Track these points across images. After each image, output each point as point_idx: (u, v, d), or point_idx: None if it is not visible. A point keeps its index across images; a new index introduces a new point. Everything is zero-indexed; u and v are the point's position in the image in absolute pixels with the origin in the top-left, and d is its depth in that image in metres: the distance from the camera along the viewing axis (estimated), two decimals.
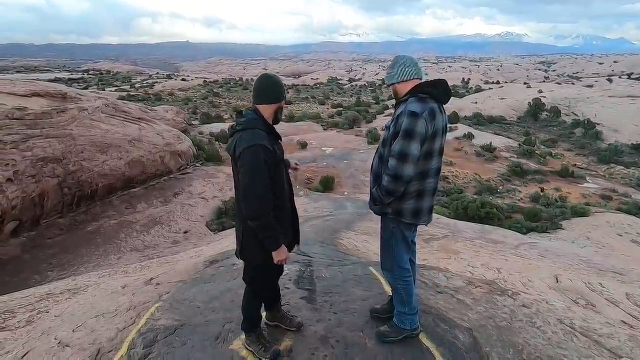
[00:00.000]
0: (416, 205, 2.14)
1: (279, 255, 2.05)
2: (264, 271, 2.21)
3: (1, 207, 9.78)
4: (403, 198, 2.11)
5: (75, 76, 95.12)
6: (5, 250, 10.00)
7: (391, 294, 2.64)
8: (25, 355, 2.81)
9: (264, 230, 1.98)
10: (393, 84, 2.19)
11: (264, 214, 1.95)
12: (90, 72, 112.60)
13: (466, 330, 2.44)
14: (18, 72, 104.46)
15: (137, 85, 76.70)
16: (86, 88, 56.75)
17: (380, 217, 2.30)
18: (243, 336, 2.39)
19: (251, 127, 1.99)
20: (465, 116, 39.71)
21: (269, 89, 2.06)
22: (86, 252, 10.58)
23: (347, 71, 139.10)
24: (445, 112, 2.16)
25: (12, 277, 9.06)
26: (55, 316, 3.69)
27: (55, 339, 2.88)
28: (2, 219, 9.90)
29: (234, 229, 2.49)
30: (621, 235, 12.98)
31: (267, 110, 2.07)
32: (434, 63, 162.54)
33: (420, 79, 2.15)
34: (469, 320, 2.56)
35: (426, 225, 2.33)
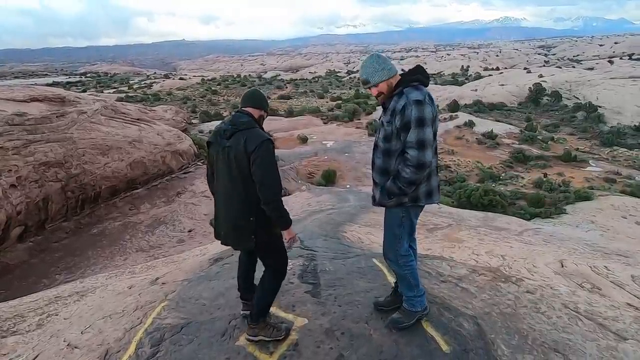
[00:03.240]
0: (428, 186, 2.24)
1: (290, 232, 2.28)
2: (283, 248, 2.39)
3: (6, 213, 9.85)
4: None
5: (72, 79, 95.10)
6: (12, 255, 10.10)
7: (394, 285, 2.65)
8: (35, 357, 2.85)
9: (278, 211, 2.21)
10: (383, 81, 2.19)
11: (279, 197, 2.22)
12: (88, 75, 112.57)
13: (470, 317, 2.45)
14: (16, 77, 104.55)
15: (135, 86, 76.60)
16: (84, 91, 56.73)
17: (385, 208, 2.34)
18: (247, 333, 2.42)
19: (253, 127, 2.26)
20: (465, 104, 39.50)
21: (261, 98, 2.44)
22: (92, 254, 10.66)
23: (345, 63, 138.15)
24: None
25: (20, 282, 9.16)
26: (64, 318, 3.73)
27: (64, 341, 2.92)
28: (8, 225, 9.98)
29: None
30: (625, 218, 12.96)
31: (256, 113, 2.36)
32: (432, 51, 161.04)
33: (401, 73, 2.25)
34: (473, 307, 2.56)
35: (438, 204, 2.40)
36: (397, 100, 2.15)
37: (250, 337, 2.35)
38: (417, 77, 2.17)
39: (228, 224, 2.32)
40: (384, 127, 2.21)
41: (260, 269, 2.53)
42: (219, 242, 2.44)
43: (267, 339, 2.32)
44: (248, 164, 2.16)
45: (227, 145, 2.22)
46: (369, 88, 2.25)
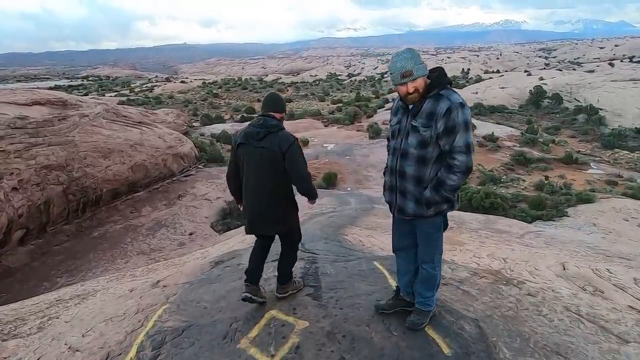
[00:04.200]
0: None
1: (314, 201, 2.80)
2: (299, 228, 2.90)
3: (8, 216, 9.86)
4: None
5: (74, 83, 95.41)
6: (13, 258, 10.11)
7: (395, 289, 2.65)
8: None
9: (312, 192, 2.72)
10: (423, 76, 2.05)
11: (311, 183, 2.73)
12: (90, 78, 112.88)
13: (472, 320, 2.44)
14: (18, 81, 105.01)
15: (137, 89, 76.76)
16: (86, 94, 56.89)
17: (416, 220, 2.26)
18: (252, 333, 2.42)
19: (282, 129, 2.62)
20: None
21: (281, 102, 2.75)
22: (93, 257, 10.67)
23: (345, 66, 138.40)
24: None
25: (21, 285, 9.16)
26: (65, 321, 3.73)
27: (66, 344, 2.92)
28: (9, 228, 9.99)
29: (240, 227, 2.75)
30: (627, 220, 12.90)
31: (278, 116, 2.68)
32: (432, 54, 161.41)
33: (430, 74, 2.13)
34: (474, 310, 2.56)
35: None
36: (434, 103, 2.04)
37: (282, 295, 2.83)
38: (449, 79, 2.09)
39: (262, 214, 2.64)
40: (420, 132, 2.07)
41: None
42: (251, 233, 2.79)
43: (293, 291, 2.88)
44: (282, 161, 2.54)
45: (261, 146, 2.54)
46: (405, 83, 2.04)
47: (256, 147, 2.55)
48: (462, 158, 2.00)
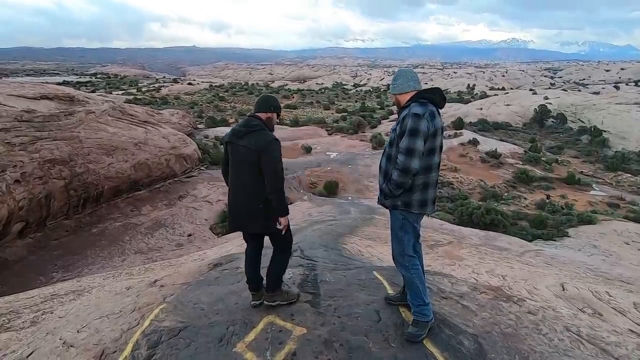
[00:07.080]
0: (422, 196, 2.39)
1: (285, 220, 2.64)
2: (290, 231, 2.79)
3: (8, 208, 9.88)
4: (411, 190, 2.37)
5: (83, 79, 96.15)
6: (11, 250, 10.10)
7: (402, 286, 2.71)
8: (30, 355, 2.82)
9: (282, 199, 2.60)
10: (395, 94, 2.49)
11: (281, 188, 2.60)
12: (98, 76, 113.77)
13: (471, 336, 2.42)
14: (27, 75, 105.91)
15: (144, 89, 77.30)
16: (94, 91, 57.32)
17: (389, 211, 2.52)
18: (248, 338, 2.40)
19: (262, 129, 2.64)
20: (470, 122, 39.56)
21: (268, 102, 2.78)
22: (91, 254, 10.65)
23: (352, 76, 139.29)
24: (440, 115, 2.45)
25: (17, 278, 9.14)
26: (60, 317, 3.71)
27: (60, 339, 2.90)
28: (9, 220, 10.00)
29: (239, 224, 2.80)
30: (628, 244, 12.83)
31: (264, 116, 2.73)
32: (439, 69, 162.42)
33: (419, 90, 2.46)
34: (473, 326, 2.54)
35: (428, 216, 2.56)
36: (404, 112, 2.39)
37: (269, 303, 2.74)
38: (428, 95, 2.39)
39: (240, 211, 2.67)
40: (391, 134, 2.48)
41: (264, 264, 2.87)
42: (231, 230, 2.82)
43: (283, 302, 2.77)
44: (257, 160, 2.54)
45: (242, 145, 2.60)
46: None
47: (238, 145, 2.64)
48: (401, 158, 2.28)
